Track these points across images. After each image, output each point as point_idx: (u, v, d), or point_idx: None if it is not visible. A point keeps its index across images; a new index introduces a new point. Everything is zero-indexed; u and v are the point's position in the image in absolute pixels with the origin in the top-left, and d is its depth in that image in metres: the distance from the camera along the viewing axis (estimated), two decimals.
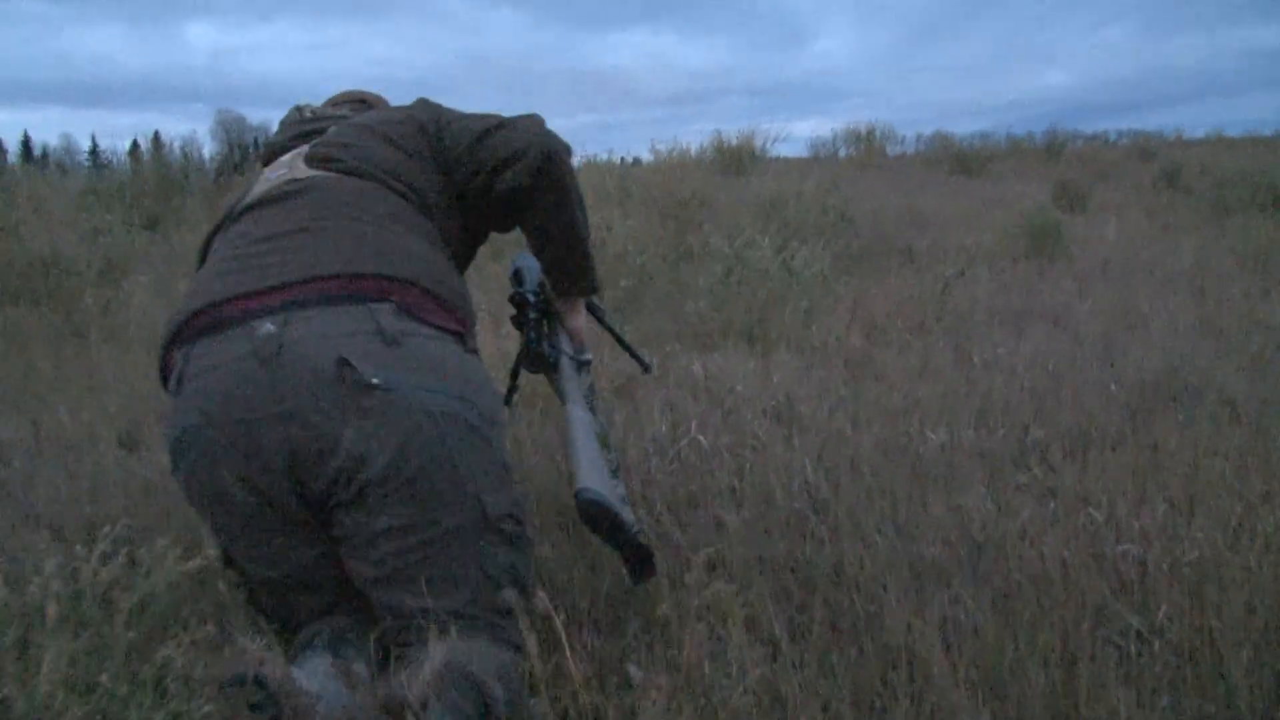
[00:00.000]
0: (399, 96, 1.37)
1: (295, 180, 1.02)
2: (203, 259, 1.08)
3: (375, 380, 0.82)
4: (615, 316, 2.46)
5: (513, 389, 1.46)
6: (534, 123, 1.09)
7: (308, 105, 1.33)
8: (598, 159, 6.07)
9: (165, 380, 0.91)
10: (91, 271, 3.39)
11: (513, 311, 1.28)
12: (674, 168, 5.96)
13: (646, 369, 1.57)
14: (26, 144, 45.06)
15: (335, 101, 1.38)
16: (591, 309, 1.35)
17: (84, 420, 2.00)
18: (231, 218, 1.05)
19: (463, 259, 1.17)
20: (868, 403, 1.96)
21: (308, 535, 0.90)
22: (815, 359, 2.45)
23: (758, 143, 8.51)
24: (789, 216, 4.25)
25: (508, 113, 1.14)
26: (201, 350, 0.85)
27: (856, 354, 2.46)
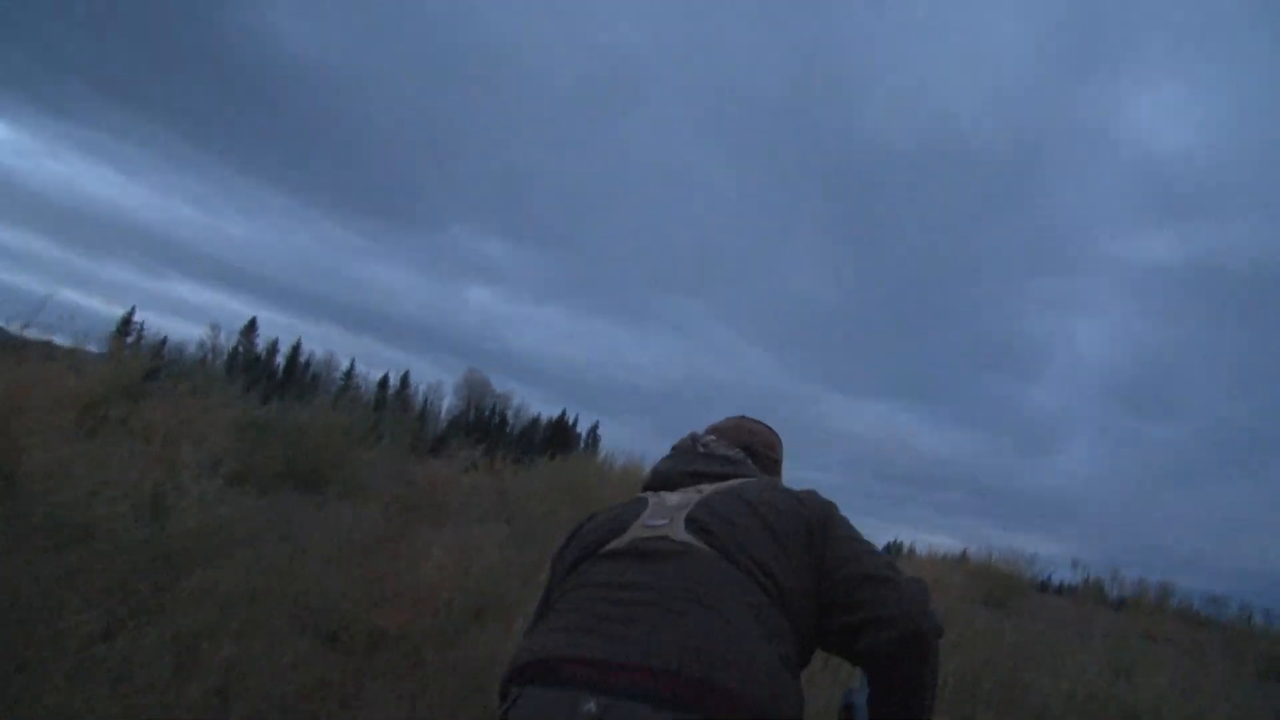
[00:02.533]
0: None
1: (670, 541, 1.03)
2: (558, 569, 1.15)
3: None
4: None
5: None
6: (917, 592, 1.01)
7: (702, 437, 1.34)
8: None
9: (501, 700, 0.94)
10: None
11: None
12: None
13: None
14: (296, 350, 50.73)
15: (722, 430, 1.40)
16: None
17: None
18: (600, 552, 1.07)
19: (808, 653, 1.08)
20: None
21: None
22: None
23: (1024, 572, 8.07)
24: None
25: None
26: (530, 697, 0.88)
27: None
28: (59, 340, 5.76)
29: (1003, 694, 4.02)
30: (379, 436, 6.59)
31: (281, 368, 45.90)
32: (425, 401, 47.44)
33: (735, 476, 1.22)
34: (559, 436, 44.84)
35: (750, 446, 1.37)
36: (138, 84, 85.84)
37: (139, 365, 5.83)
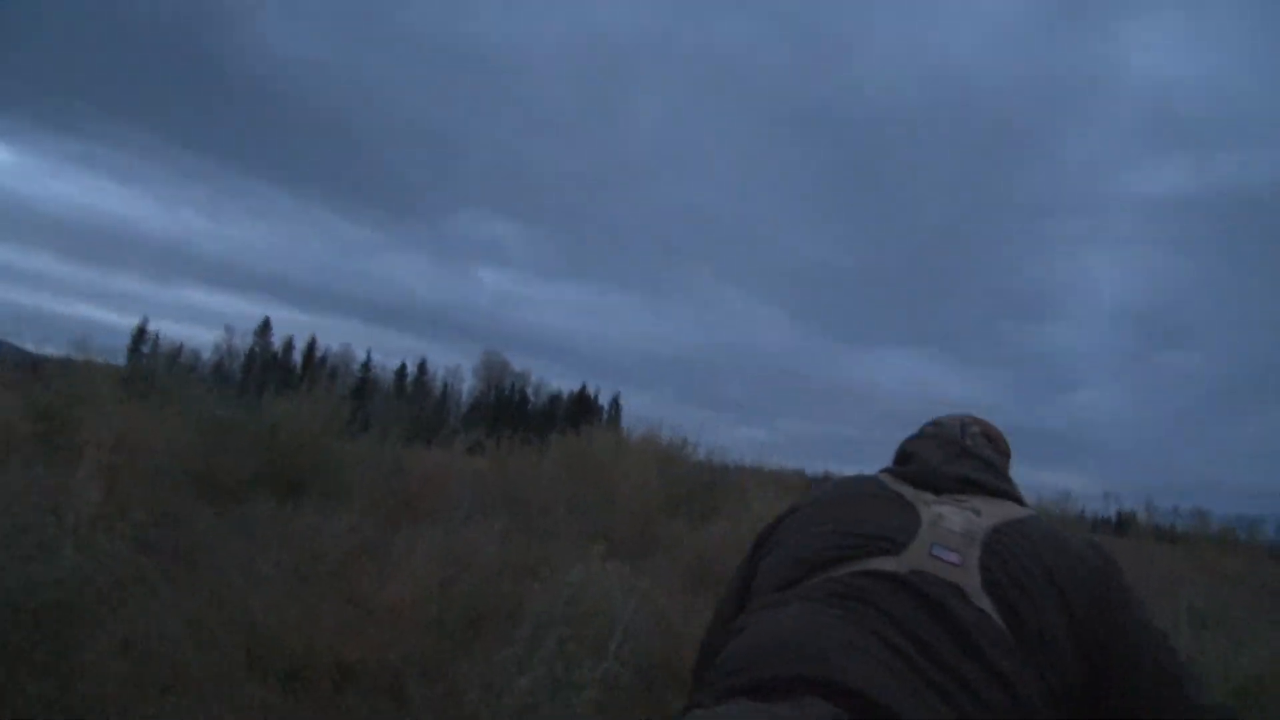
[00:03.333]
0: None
1: (964, 600, 0.77)
2: (769, 551, 0.95)
3: None
4: None
5: None
6: (1216, 703, 0.81)
7: (970, 424, 1.13)
8: None
9: (750, 693, 0.68)
10: None
11: None
12: None
13: None
14: (311, 346, 50.06)
15: (966, 425, 1.15)
16: None
17: None
18: (869, 565, 0.82)
19: None
20: None
21: None
22: None
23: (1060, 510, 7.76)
24: None
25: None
26: None
27: None
28: (76, 356, 5.67)
29: None
30: (364, 427, 5.98)
31: (299, 365, 46.12)
32: (445, 386, 47.58)
33: (1004, 496, 0.97)
34: (581, 410, 44.43)
35: (995, 448, 1.13)
36: (134, 97, 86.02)
37: (94, 374, 5.26)
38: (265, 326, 49.28)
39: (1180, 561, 10.78)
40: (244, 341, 48.24)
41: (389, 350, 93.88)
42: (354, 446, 5.73)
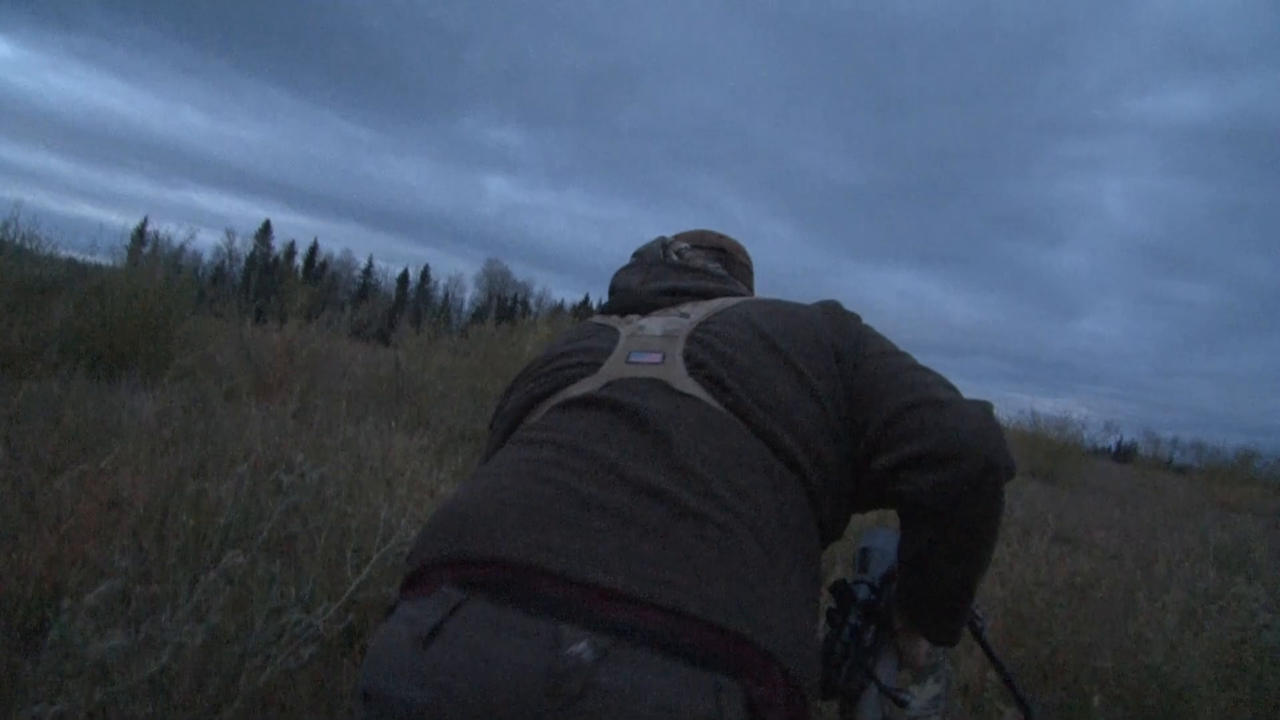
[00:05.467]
0: None
1: (669, 391, 0.74)
2: (503, 422, 0.84)
3: None
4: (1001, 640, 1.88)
5: None
6: (981, 414, 0.73)
7: (673, 243, 1.04)
8: None
9: (407, 588, 0.65)
10: None
11: (831, 603, 0.86)
12: None
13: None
14: (313, 251, 48.35)
15: (693, 242, 1.07)
16: (970, 622, 0.89)
17: None
18: (565, 396, 0.78)
19: (841, 526, 0.82)
20: None
21: None
22: None
23: (1075, 438, 7.28)
24: None
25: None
26: (476, 617, 0.58)
27: None
28: (80, 257, 5.23)
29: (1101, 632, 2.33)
30: (221, 301, 5.02)
31: (299, 269, 45.44)
32: (446, 295, 46.62)
33: (723, 294, 0.94)
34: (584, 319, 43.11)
35: (725, 256, 1.08)
36: None
37: None
38: (266, 230, 48.06)
39: (1190, 493, 10.40)
40: (245, 245, 47.17)
41: (392, 257, 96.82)
42: (209, 324, 4.80)
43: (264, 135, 79.96)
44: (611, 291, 1.01)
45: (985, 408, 0.75)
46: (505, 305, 45.61)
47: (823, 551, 0.78)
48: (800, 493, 0.73)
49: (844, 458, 0.77)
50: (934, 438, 0.71)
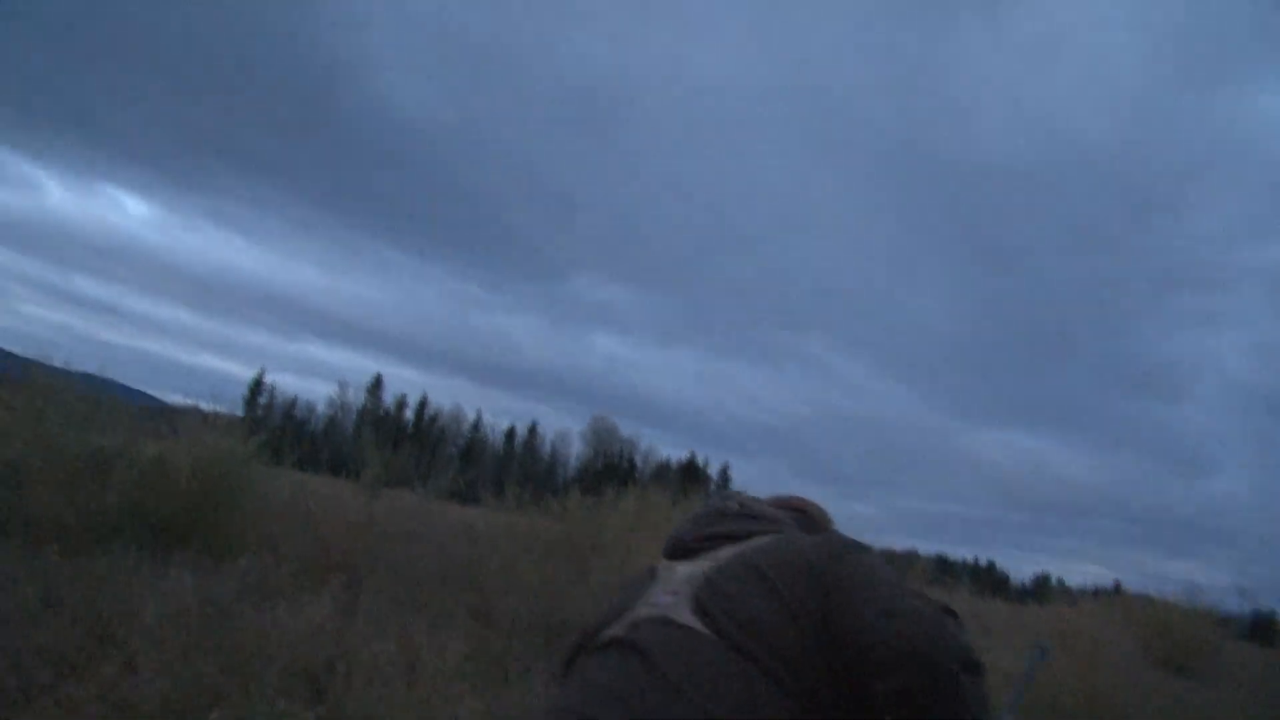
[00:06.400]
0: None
1: (672, 626, 0.85)
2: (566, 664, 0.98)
3: None
4: None
5: None
6: (933, 619, 0.79)
7: (740, 494, 1.14)
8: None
9: None
10: None
11: None
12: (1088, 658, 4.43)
13: None
14: (423, 405, 49.54)
15: (779, 503, 1.18)
16: None
17: None
18: (597, 641, 0.91)
19: None
20: None
21: None
22: None
23: (1204, 619, 6.47)
24: None
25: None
26: None
27: None
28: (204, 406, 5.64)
29: None
30: (274, 459, 4.68)
31: (410, 423, 46.66)
32: (553, 450, 46.50)
33: (762, 534, 1.02)
34: (689, 478, 42.08)
35: (806, 518, 1.17)
36: (263, 154, 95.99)
37: None
38: (377, 383, 50.40)
39: None
40: (357, 398, 49.61)
41: (499, 411, 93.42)
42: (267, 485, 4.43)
43: (378, 291, 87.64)
44: (670, 537, 1.10)
45: (937, 613, 0.82)
46: (612, 461, 44.50)
47: None
48: (771, 688, 0.80)
49: (825, 663, 0.82)
50: (889, 646, 0.78)
